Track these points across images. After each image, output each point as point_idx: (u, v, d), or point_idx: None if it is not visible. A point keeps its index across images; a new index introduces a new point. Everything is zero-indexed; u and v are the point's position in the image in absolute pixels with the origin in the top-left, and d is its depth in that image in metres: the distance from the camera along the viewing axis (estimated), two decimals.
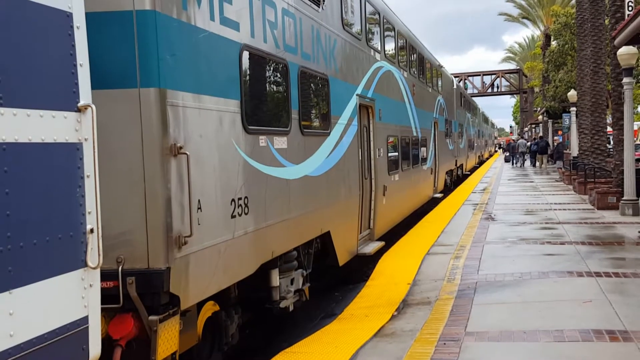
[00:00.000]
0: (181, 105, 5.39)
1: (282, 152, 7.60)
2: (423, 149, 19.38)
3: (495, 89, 79.75)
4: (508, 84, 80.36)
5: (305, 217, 8.38)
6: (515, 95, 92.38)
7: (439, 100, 23.92)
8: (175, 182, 5.26)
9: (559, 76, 38.20)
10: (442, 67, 26.18)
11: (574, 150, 29.65)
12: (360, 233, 11.52)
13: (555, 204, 19.22)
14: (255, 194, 6.75)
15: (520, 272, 9.68)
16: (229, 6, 6.31)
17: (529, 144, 48.11)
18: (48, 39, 3.76)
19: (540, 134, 56.51)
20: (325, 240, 9.53)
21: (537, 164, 42.37)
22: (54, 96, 3.76)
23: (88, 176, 3.97)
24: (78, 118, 3.92)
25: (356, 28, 11.73)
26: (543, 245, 12.04)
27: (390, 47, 15.15)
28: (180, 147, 5.30)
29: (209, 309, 6.38)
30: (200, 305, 6.08)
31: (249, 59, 6.85)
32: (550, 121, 49.15)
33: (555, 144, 45.73)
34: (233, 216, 6.23)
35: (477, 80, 78.53)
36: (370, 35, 12.82)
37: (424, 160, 19.61)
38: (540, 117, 58.32)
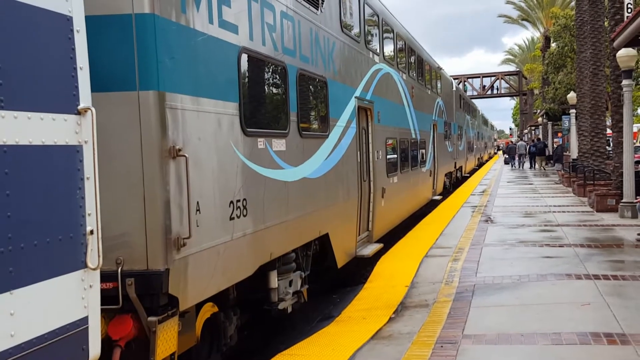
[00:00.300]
0: (180, 108, 5.42)
1: (281, 154, 7.63)
2: (422, 151, 19.39)
3: (494, 91, 79.63)
4: (508, 86, 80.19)
5: (303, 219, 8.41)
6: (514, 97, 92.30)
7: (438, 102, 23.93)
8: (174, 184, 5.29)
9: (558, 78, 38.24)
10: (441, 69, 26.20)
11: (574, 152, 29.68)
12: (359, 235, 11.54)
13: (554, 206, 19.22)
14: (253, 196, 6.78)
15: (519, 274, 9.68)
16: (227, 9, 6.34)
17: (527, 146, 48.14)
18: (48, 43, 3.79)
19: (540, 136, 56.53)
20: (323, 242, 9.55)
21: (536, 165, 42.43)
22: (55, 99, 3.80)
23: (88, 178, 4.00)
24: (78, 121, 3.95)
25: (355, 30, 11.76)
26: (542, 247, 12.02)
27: (389, 49, 15.18)
28: (179, 150, 5.33)
29: (208, 310, 6.41)
30: (199, 306, 6.11)
31: (248, 61, 6.88)
32: (550, 123, 49.21)
33: (555, 146, 45.77)
34: (232, 218, 6.26)
35: (476, 82, 78.47)
36: (369, 38, 12.84)
37: (423, 162, 19.61)
38: (540, 119, 58.32)
